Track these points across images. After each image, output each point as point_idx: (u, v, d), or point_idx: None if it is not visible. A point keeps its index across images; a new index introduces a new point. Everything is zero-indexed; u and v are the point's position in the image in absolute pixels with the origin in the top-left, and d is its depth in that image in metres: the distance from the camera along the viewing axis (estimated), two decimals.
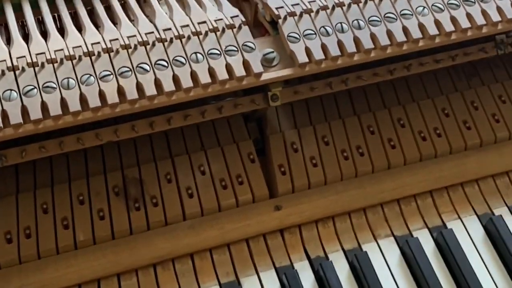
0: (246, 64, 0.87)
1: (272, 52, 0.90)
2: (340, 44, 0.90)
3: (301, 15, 0.91)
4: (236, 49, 0.88)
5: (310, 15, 0.92)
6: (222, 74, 0.86)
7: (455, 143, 1.01)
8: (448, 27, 0.92)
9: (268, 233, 0.93)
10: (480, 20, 0.93)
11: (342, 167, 0.98)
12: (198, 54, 0.87)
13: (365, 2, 0.93)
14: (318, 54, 0.89)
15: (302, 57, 0.88)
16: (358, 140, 1.00)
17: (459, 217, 0.95)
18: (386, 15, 0.92)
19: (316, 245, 0.92)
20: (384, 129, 1.01)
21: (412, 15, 0.93)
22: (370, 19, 0.92)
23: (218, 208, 0.93)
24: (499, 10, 0.94)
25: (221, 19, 0.90)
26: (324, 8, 0.92)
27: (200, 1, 0.95)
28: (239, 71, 0.86)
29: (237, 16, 0.91)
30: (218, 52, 0.87)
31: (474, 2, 0.94)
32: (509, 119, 1.03)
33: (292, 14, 0.91)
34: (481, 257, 0.91)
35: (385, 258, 0.91)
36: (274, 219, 0.93)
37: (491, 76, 1.09)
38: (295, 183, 0.96)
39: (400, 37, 0.91)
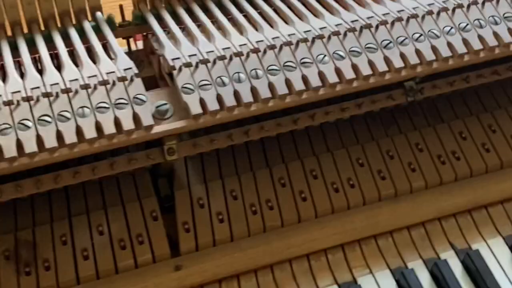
0: (136, 117, 0.84)
1: (165, 104, 0.86)
2: (236, 94, 0.87)
3: (197, 66, 0.88)
4: (126, 102, 0.84)
5: (206, 66, 0.89)
6: (110, 128, 0.82)
7: (369, 194, 0.97)
8: (349, 74, 0.90)
9: None
10: (382, 67, 0.91)
11: (250, 222, 0.93)
12: (85, 108, 0.83)
13: (264, 52, 0.90)
14: (213, 105, 0.86)
15: (195, 109, 0.85)
16: (268, 193, 0.96)
17: (371, 272, 0.91)
18: (286, 64, 0.90)
19: None
20: (296, 182, 0.97)
21: (312, 63, 0.90)
22: (269, 68, 0.89)
23: (115, 270, 0.88)
24: (403, 56, 0.92)
25: (113, 72, 0.87)
26: (222, 58, 0.89)
27: (95, 53, 0.92)
28: (128, 124, 0.83)
29: (130, 68, 0.88)
30: (107, 106, 0.84)
31: (377, 49, 0.92)
32: (425, 168, 0.99)
33: (188, 65, 0.88)
34: None
35: None
36: (173, 280, 0.88)
37: (410, 124, 1.06)
38: (199, 240, 0.91)
39: (299, 85, 0.88)
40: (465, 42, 0.94)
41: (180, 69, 0.88)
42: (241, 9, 1.01)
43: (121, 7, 1.02)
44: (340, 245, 0.93)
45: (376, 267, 0.91)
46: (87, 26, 0.98)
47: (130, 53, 1.04)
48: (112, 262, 0.88)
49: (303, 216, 0.94)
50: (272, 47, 0.91)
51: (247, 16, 0.99)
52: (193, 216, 0.93)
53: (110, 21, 1.00)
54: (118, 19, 1.03)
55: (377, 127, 1.05)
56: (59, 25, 0.99)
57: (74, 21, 0.99)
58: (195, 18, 1.00)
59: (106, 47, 0.95)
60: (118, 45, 0.93)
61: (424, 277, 0.89)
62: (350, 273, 0.91)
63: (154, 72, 1.00)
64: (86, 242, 0.90)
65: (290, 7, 1.01)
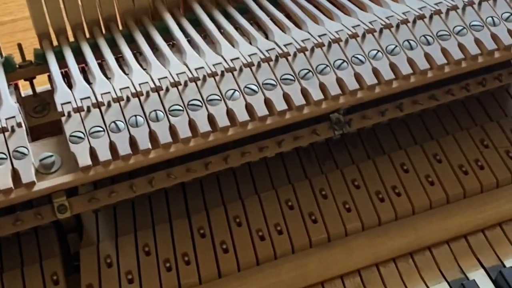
0: (15, 173, 0.74)
1: (51, 156, 0.77)
2: (132, 140, 0.77)
3: (89, 110, 0.79)
4: (5, 157, 0.75)
5: (100, 109, 0.79)
6: None
7: (298, 241, 0.87)
8: (262, 111, 0.80)
9: None
10: (299, 100, 0.81)
11: (163, 280, 0.83)
12: None
13: (167, 90, 0.81)
14: (105, 155, 0.76)
15: (84, 160, 0.76)
16: (185, 246, 0.86)
17: None
18: (190, 103, 0.80)
19: None
20: (218, 231, 0.87)
21: (220, 100, 0.81)
22: (171, 108, 0.80)
23: None
24: (322, 87, 0.82)
25: None
26: (118, 100, 0.80)
27: None
28: (5, 183, 0.73)
29: (13, 117, 0.78)
30: None
31: (294, 80, 0.83)
32: (362, 207, 0.89)
33: (79, 109, 0.79)
34: None
35: None
36: None
37: (347, 158, 0.97)
38: None
39: (204, 127, 0.79)
40: (392, 66, 0.84)
41: (69, 115, 0.79)
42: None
43: (19, 46, 0.93)
44: None
45: None
46: None
47: (34, 95, 0.94)
48: None
49: (224, 270, 0.84)
50: (176, 83, 0.82)
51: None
52: (99, 276, 0.83)
53: (7, 62, 0.91)
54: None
55: (311, 163, 0.96)
56: None
57: None
58: (100, 55, 0.91)
59: None
60: (6, 90, 0.84)
61: None
62: None
63: None
64: None
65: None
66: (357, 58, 0.84)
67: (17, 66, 0.93)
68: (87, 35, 0.95)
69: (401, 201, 0.90)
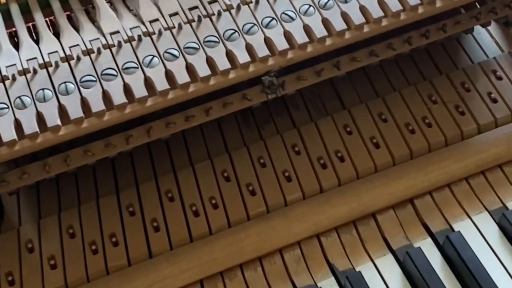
0: None
1: None
2: (40, 117, 0.71)
3: None
4: None
5: (4, 85, 0.72)
6: None
7: (234, 215, 0.81)
8: (183, 78, 0.73)
9: None
10: (223, 64, 0.74)
11: (89, 263, 0.78)
12: None
13: (78, 59, 0.74)
14: (8, 135, 0.69)
15: None
16: (113, 226, 0.80)
17: None
18: (104, 73, 0.73)
19: None
20: (148, 208, 0.82)
21: (137, 68, 0.74)
22: (83, 79, 0.73)
23: None
24: (249, 48, 0.76)
25: None
26: (24, 72, 0.73)
27: None
28: None
29: None
30: None
31: (218, 42, 0.76)
32: (303, 175, 0.84)
33: None
34: None
35: None
36: None
37: (288, 121, 0.91)
38: None
39: (119, 98, 0.72)
40: (325, 22, 0.77)
41: None
42: None
43: None
44: (198, 281, 0.77)
45: None
46: None
47: None
48: None
49: (155, 250, 0.79)
50: (88, 51, 0.74)
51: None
52: (20, 264, 0.77)
53: None
54: None
55: (249, 128, 0.90)
56: None
57: None
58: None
59: None
60: None
61: None
62: None
63: None
64: None
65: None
66: (287, 15, 0.77)
67: None
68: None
69: (345, 166, 0.84)
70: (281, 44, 0.76)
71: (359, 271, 0.76)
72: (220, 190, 0.83)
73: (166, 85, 0.73)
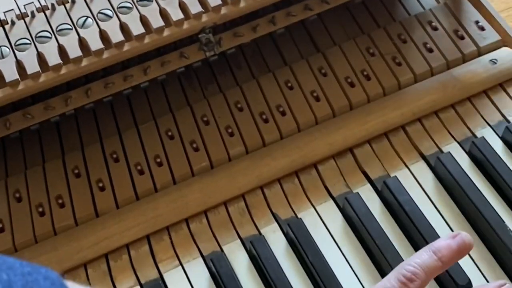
0: None
1: None
2: None
3: None
4: None
5: None
6: None
7: (179, 171, 0.83)
8: (117, 37, 0.74)
9: None
10: (157, 22, 0.75)
11: (36, 226, 0.79)
12: None
13: (13, 23, 0.75)
14: None
15: None
16: (59, 189, 0.81)
17: (180, 263, 0.77)
18: (38, 35, 0.74)
19: None
20: (93, 169, 0.83)
21: (72, 29, 0.75)
22: (17, 43, 0.74)
23: None
24: (183, 5, 0.77)
25: None
26: None
27: None
28: None
29: None
30: None
31: (152, 1, 0.77)
32: (245, 130, 0.85)
33: None
34: None
35: None
36: None
37: (232, 79, 0.92)
38: None
39: (54, 59, 0.73)
40: None
41: None
42: None
43: None
44: (145, 236, 0.79)
45: (187, 256, 0.77)
46: None
47: None
48: None
49: (101, 209, 0.80)
50: (23, 15, 0.75)
51: None
52: None
53: None
54: None
55: (193, 88, 0.91)
56: None
57: None
58: None
59: None
60: None
61: (240, 259, 0.76)
62: (156, 269, 0.77)
63: None
64: None
65: None
66: None
67: None
68: None
69: (286, 120, 0.86)
70: (214, 1, 0.77)
71: (300, 218, 0.78)
72: (164, 149, 0.84)
73: (100, 45, 0.74)
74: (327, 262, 0.74)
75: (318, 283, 0.73)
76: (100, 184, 0.82)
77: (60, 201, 0.80)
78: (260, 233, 0.79)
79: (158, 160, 0.84)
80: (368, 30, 0.94)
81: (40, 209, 0.80)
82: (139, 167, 0.83)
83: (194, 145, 0.85)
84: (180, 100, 0.90)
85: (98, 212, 0.80)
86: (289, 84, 0.89)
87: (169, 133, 0.86)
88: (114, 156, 0.84)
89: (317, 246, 0.76)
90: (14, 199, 0.81)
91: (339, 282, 0.73)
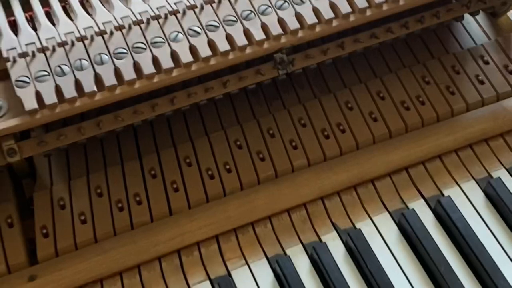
0: None
1: None
2: (78, 83, 0.79)
3: (34, 55, 0.80)
4: None
5: (45, 54, 0.80)
6: None
7: (246, 178, 0.90)
8: (205, 52, 0.82)
9: None
10: (241, 40, 0.83)
11: (116, 220, 0.86)
12: None
13: (111, 33, 0.82)
14: (50, 98, 0.77)
15: (30, 103, 0.77)
16: (137, 187, 0.88)
17: (247, 263, 0.84)
18: (135, 46, 0.82)
19: None
20: (168, 171, 0.90)
21: (164, 42, 0.82)
22: (116, 51, 0.81)
23: None
24: (264, 27, 0.84)
25: None
26: (63, 44, 0.81)
27: None
28: None
29: None
30: None
31: (236, 21, 0.84)
32: (308, 144, 0.92)
33: (24, 55, 0.80)
34: None
35: None
36: None
37: (295, 97, 0.99)
38: (58, 245, 0.84)
39: (148, 68, 0.80)
40: (332, 5, 0.86)
41: (14, 60, 0.80)
42: None
43: None
44: (214, 236, 0.86)
45: (252, 257, 0.84)
46: None
47: None
48: None
49: (175, 208, 0.87)
50: (120, 27, 0.83)
51: None
52: (53, 218, 0.86)
53: None
54: None
55: (259, 104, 0.98)
56: None
57: None
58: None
59: None
60: None
61: (302, 263, 0.83)
62: (224, 266, 0.84)
63: None
64: None
65: None
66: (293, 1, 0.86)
67: None
68: None
69: (346, 137, 0.93)
70: (292, 24, 0.84)
71: (359, 229, 0.85)
72: (233, 157, 0.91)
73: (190, 58, 0.81)
74: (384, 270, 0.80)
75: None
76: (174, 186, 0.89)
77: (137, 198, 0.87)
78: (320, 240, 0.85)
79: (228, 167, 0.90)
80: (423, 60, 1.01)
81: (120, 205, 0.87)
82: (210, 172, 0.90)
83: (261, 156, 0.92)
84: (247, 113, 0.97)
85: (171, 211, 0.87)
86: (349, 105, 0.96)
87: (238, 143, 0.93)
88: (187, 160, 0.91)
89: (375, 255, 0.82)
90: (96, 194, 0.88)
91: None
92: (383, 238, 0.85)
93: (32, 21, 0.89)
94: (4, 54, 0.80)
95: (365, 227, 0.86)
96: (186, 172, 0.90)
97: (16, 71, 0.79)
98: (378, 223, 0.87)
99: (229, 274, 0.83)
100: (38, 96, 0.77)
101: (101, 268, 0.82)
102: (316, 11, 0.86)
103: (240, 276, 0.82)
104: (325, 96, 0.97)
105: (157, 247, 0.84)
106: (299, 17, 0.85)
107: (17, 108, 0.78)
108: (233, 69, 0.88)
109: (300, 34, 0.85)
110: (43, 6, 0.89)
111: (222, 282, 0.80)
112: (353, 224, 0.87)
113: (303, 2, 0.86)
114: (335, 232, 0.86)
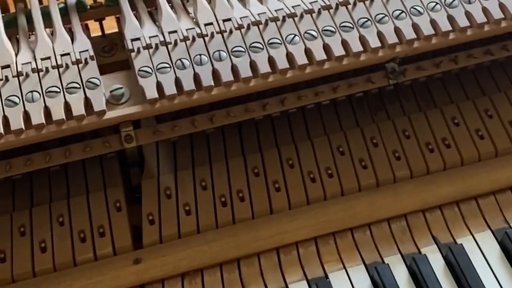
0: (88, 102, 0.80)
1: (120, 88, 0.82)
2: (197, 77, 0.82)
3: (157, 48, 0.84)
4: (78, 86, 0.80)
5: (167, 47, 0.84)
6: (59, 114, 0.78)
7: (347, 184, 0.90)
8: (320, 55, 0.83)
9: None
10: (357, 47, 0.84)
11: (219, 213, 0.88)
12: (35, 93, 0.79)
13: (230, 32, 0.85)
14: (170, 89, 0.81)
15: (151, 93, 0.80)
16: (240, 183, 0.90)
17: (344, 267, 0.84)
18: (252, 45, 0.84)
19: None
20: (271, 171, 0.91)
21: (281, 44, 0.84)
22: (234, 49, 0.84)
23: (74, 263, 0.84)
24: (380, 35, 0.85)
25: (68, 54, 0.83)
26: (185, 39, 0.84)
27: (54, 35, 0.87)
28: (78, 109, 0.79)
29: (86, 50, 0.84)
30: (58, 90, 0.80)
31: (353, 28, 0.86)
32: (411, 156, 0.92)
33: (148, 46, 0.84)
34: None
35: None
36: (131, 274, 0.83)
37: (399, 109, 0.99)
38: (163, 232, 0.86)
39: (264, 68, 0.83)
40: (451, 19, 0.86)
41: (138, 51, 0.83)
42: None
43: None
44: (313, 238, 0.87)
45: (350, 262, 0.85)
46: (54, 7, 0.93)
47: (103, 36, 0.99)
48: (71, 255, 0.84)
49: (276, 208, 0.89)
50: (239, 26, 0.85)
51: None
52: (159, 207, 0.89)
53: (79, 3, 0.96)
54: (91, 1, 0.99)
55: (363, 112, 0.99)
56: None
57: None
58: None
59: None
60: (79, 26, 0.89)
61: (401, 273, 0.83)
62: (322, 268, 0.84)
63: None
64: (45, 233, 0.86)
65: None
66: (415, 9, 0.87)
67: (89, 7, 0.97)
68: None
69: (450, 152, 0.93)
70: (409, 34, 0.85)
71: (461, 244, 0.84)
72: (335, 162, 0.92)
73: (305, 60, 0.83)
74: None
75: None
76: (276, 185, 0.90)
77: (240, 195, 0.89)
78: (420, 252, 0.85)
79: (329, 171, 0.91)
80: None
81: (223, 199, 0.89)
82: (311, 176, 0.91)
83: (363, 163, 0.92)
84: (351, 121, 0.98)
85: (272, 210, 0.89)
86: (455, 121, 0.95)
87: (341, 149, 0.93)
88: (290, 162, 0.92)
89: (476, 271, 0.81)
90: (201, 187, 0.90)
91: None
92: (484, 256, 0.84)
93: (152, 15, 0.93)
94: (129, 44, 0.84)
95: (466, 243, 0.85)
96: (288, 173, 0.91)
97: (139, 62, 0.82)
98: (480, 240, 0.85)
99: (326, 276, 0.83)
100: (159, 87, 0.81)
101: (203, 258, 0.84)
102: (433, 23, 0.86)
103: (338, 279, 0.83)
104: (430, 110, 0.97)
105: (257, 243, 0.85)
106: (415, 27, 0.85)
107: (138, 96, 0.82)
108: (342, 76, 0.89)
109: (416, 44, 0.85)
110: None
111: (320, 283, 0.81)
112: (454, 239, 0.86)
113: (420, 14, 0.86)
114: (435, 246, 0.86)
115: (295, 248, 0.86)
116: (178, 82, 0.81)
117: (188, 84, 0.81)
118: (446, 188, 0.89)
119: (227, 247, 0.85)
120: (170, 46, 0.84)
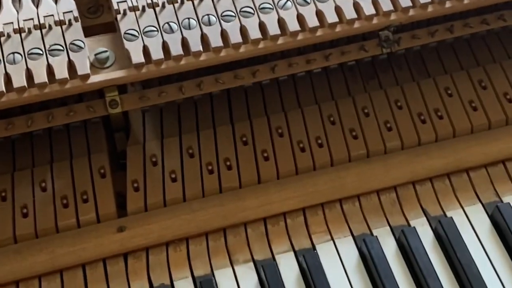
0: (71, 65, 0.77)
1: (105, 51, 0.79)
2: (185, 42, 0.79)
3: (144, 10, 0.81)
4: (62, 49, 0.78)
5: (154, 10, 0.81)
6: (41, 77, 0.75)
7: (337, 154, 0.88)
8: (313, 22, 0.81)
9: (109, 257, 0.81)
10: (350, 14, 0.81)
11: (205, 182, 0.86)
12: (16, 54, 0.76)
13: None
14: (157, 54, 0.78)
15: (137, 57, 0.78)
16: (228, 152, 0.89)
17: (332, 238, 0.83)
18: (242, 9, 0.81)
19: (163, 271, 0.81)
20: (260, 140, 0.90)
21: (272, 9, 0.82)
22: (223, 13, 0.81)
23: (56, 230, 0.83)
24: (375, 2, 0.83)
25: (52, 15, 0.80)
26: (172, 1, 0.81)
27: None
28: (61, 73, 0.76)
29: (70, 11, 0.81)
30: (40, 52, 0.77)
31: None
32: (403, 127, 0.90)
33: (134, 8, 0.81)
34: (350, 283, 0.79)
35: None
36: (115, 242, 0.81)
37: (392, 79, 0.97)
38: (148, 200, 0.85)
39: (255, 33, 0.80)
40: None
41: (124, 13, 0.80)
42: None
43: None
44: (301, 209, 0.85)
45: (338, 233, 0.83)
46: None
47: None
48: (53, 221, 0.83)
49: (264, 177, 0.87)
50: None
51: None
52: (144, 174, 0.87)
53: None
54: None
55: (355, 81, 0.96)
56: None
57: None
58: None
59: None
60: None
61: (389, 245, 0.82)
62: (309, 239, 0.83)
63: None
64: (27, 198, 0.84)
65: None
66: None
67: None
68: None
69: (443, 123, 0.91)
70: (404, 1, 0.82)
71: (451, 217, 0.83)
72: (325, 132, 0.90)
73: (297, 27, 0.80)
74: (474, 261, 0.78)
75: (463, 280, 0.78)
76: (265, 154, 0.88)
77: (228, 163, 0.87)
78: (409, 224, 0.84)
79: (319, 141, 0.89)
80: None
81: (210, 167, 0.87)
82: (301, 145, 0.89)
83: (354, 133, 0.90)
84: (342, 90, 0.95)
85: (260, 179, 0.87)
86: (449, 91, 0.93)
87: (331, 119, 0.91)
88: (279, 131, 0.90)
89: (466, 244, 0.80)
90: (187, 154, 0.88)
91: (484, 282, 0.77)
92: (474, 229, 0.83)
93: None
94: (115, 6, 0.81)
95: (456, 216, 0.84)
96: (277, 142, 0.90)
97: (125, 24, 0.80)
98: (470, 213, 0.84)
99: (314, 248, 0.82)
100: (145, 51, 0.78)
101: (188, 227, 0.83)
102: None
103: (325, 250, 0.81)
104: (424, 80, 0.95)
105: (244, 212, 0.84)
106: None
107: (124, 60, 0.79)
108: (334, 44, 0.87)
109: (411, 12, 0.83)
110: None
111: (308, 255, 0.80)
112: (444, 212, 0.85)
113: None
114: (424, 218, 0.84)
115: (283, 219, 0.85)
116: (165, 47, 0.79)
117: (176, 48, 0.78)
118: (438, 160, 0.88)
119: (213, 216, 0.84)
120: (157, 9, 0.81)
